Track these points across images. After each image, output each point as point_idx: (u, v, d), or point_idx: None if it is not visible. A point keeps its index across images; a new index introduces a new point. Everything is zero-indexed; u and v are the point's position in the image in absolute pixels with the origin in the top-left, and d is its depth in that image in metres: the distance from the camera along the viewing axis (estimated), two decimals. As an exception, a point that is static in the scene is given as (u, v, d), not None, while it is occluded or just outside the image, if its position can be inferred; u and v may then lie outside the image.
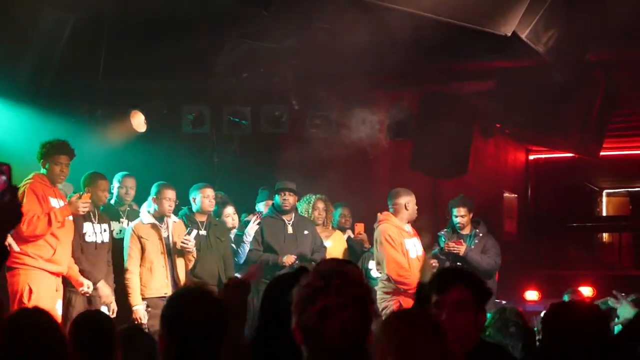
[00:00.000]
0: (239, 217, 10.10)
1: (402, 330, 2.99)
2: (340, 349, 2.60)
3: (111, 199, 9.21)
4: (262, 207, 10.27)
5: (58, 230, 8.05)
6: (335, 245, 10.04)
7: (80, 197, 8.15)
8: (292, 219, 9.64)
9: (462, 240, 9.78)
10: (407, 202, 9.43)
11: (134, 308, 8.66)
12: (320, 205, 10.26)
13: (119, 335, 4.69)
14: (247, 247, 9.48)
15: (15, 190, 3.14)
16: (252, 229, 9.48)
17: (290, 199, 9.60)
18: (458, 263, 9.55)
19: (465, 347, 3.67)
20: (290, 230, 9.57)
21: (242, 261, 9.45)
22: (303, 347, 2.66)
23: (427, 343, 2.99)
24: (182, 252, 8.88)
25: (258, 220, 9.52)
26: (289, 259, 9.30)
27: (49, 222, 7.88)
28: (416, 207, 9.52)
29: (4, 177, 3.25)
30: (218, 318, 3.52)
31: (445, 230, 10.10)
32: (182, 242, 8.76)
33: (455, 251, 9.68)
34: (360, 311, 2.62)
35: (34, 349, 3.21)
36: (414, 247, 9.43)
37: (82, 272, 8.39)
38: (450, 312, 3.77)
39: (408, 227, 9.51)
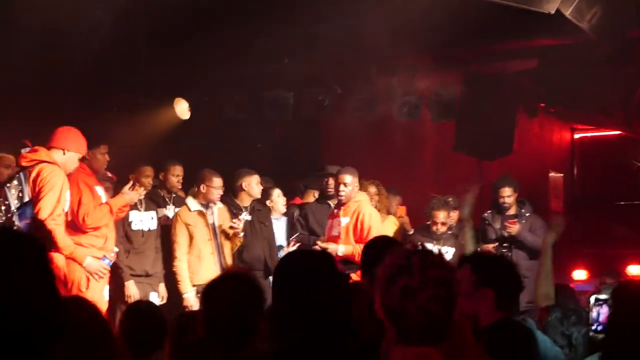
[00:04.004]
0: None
1: None
2: (423, 329, 2.63)
3: (156, 186, 9.30)
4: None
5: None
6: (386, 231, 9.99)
7: (132, 188, 8.25)
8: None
9: (516, 220, 9.70)
10: None
11: (184, 296, 8.72)
12: (372, 189, 10.22)
13: (182, 320, 4.74)
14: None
15: None
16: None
17: (332, 183, 9.61)
18: (504, 245, 9.54)
19: (476, 324, 3.71)
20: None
21: None
22: (388, 325, 2.69)
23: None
24: (229, 237, 8.94)
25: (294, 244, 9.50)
26: (323, 244, 9.19)
27: (111, 212, 8.01)
28: None
29: None
30: (255, 307, 3.53)
31: (490, 211, 10.05)
32: (232, 224, 8.80)
33: (509, 231, 9.62)
34: (441, 292, 2.64)
35: (80, 340, 3.23)
36: None
37: (116, 265, 8.45)
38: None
39: None
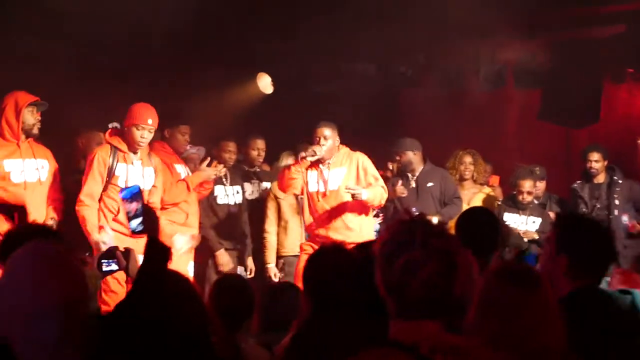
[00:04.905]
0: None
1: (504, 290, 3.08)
2: (425, 303, 2.58)
3: (240, 160, 9.36)
4: None
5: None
6: (476, 202, 9.89)
7: (209, 164, 8.28)
8: (418, 173, 9.58)
9: (634, 222, 9.51)
10: None
11: (266, 266, 8.90)
12: (467, 159, 10.12)
13: (273, 289, 4.76)
14: None
15: None
16: None
17: (400, 157, 9.58)
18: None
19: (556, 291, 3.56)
20: (412, 184, 9.52)
21: None
22: (388, 301, 2.64)
23: (530, 303, 3.05)
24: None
25: None
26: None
27: (188, 189, 8.07)
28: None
29: None
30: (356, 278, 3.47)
31: (579, 181, 9.89)
32: None
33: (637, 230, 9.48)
34: (445, 263, 2.57)
35: (175, 312, 3.27)
36: None
37: (204, 238, 8.55)
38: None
39: None
